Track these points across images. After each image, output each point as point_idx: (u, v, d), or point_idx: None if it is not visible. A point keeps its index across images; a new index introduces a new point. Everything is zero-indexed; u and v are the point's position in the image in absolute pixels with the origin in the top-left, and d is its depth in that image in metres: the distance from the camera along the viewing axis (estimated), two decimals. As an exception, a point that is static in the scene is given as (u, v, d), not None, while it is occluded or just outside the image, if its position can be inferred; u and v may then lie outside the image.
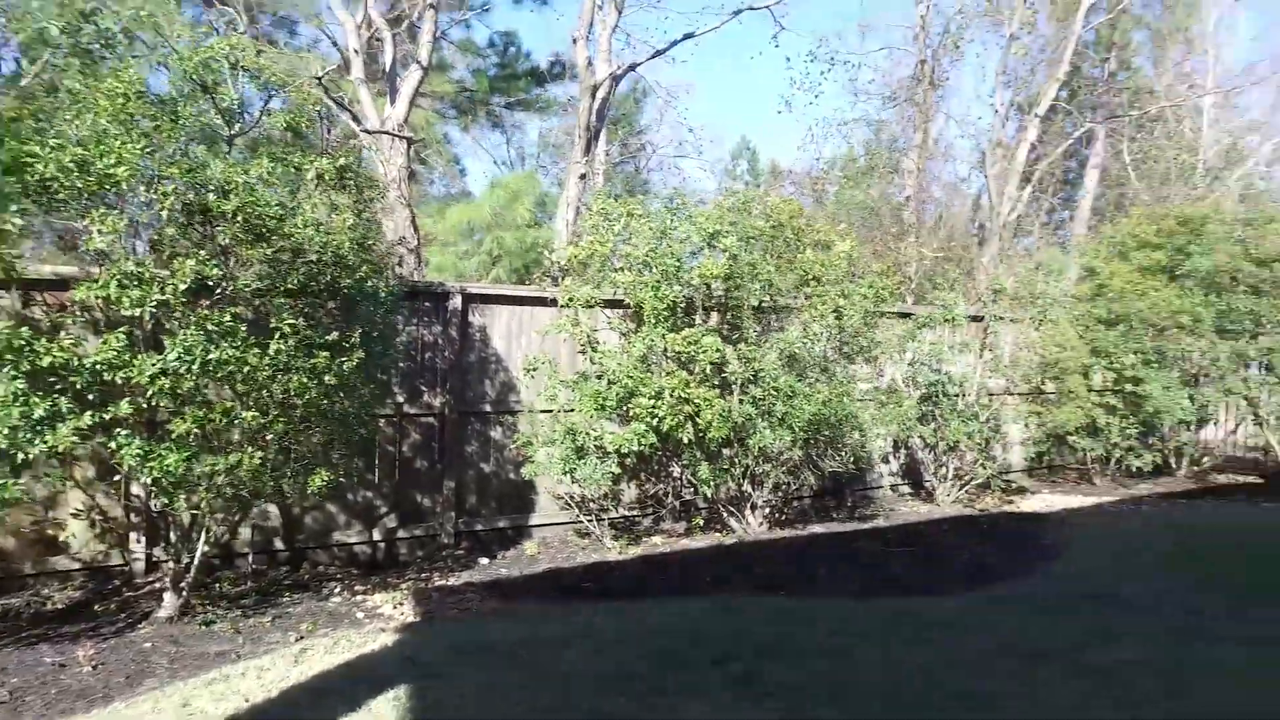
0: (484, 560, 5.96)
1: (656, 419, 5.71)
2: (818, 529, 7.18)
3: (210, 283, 4.01)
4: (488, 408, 6.28)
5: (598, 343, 6.13)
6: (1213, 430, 9.53)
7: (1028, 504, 8.37)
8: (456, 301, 6.08)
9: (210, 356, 3.73)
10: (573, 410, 5.92)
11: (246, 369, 3.90)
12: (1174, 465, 9.28)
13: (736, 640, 4.08)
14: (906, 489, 8.71)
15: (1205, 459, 9.51)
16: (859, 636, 4.14)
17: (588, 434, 5.85)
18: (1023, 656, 3.69)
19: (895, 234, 13.08)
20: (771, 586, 5.43)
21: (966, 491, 8.18)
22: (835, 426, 6.14)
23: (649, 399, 5.69)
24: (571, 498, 6.41)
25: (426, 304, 6.04)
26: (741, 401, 5.88)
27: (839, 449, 6.47)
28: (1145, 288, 8.37)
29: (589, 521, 6.35)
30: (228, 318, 3.85)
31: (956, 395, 7.72)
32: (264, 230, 4.04)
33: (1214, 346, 8.31)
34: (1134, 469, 8.75)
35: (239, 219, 3.92)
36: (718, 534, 6.71)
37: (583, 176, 10.22)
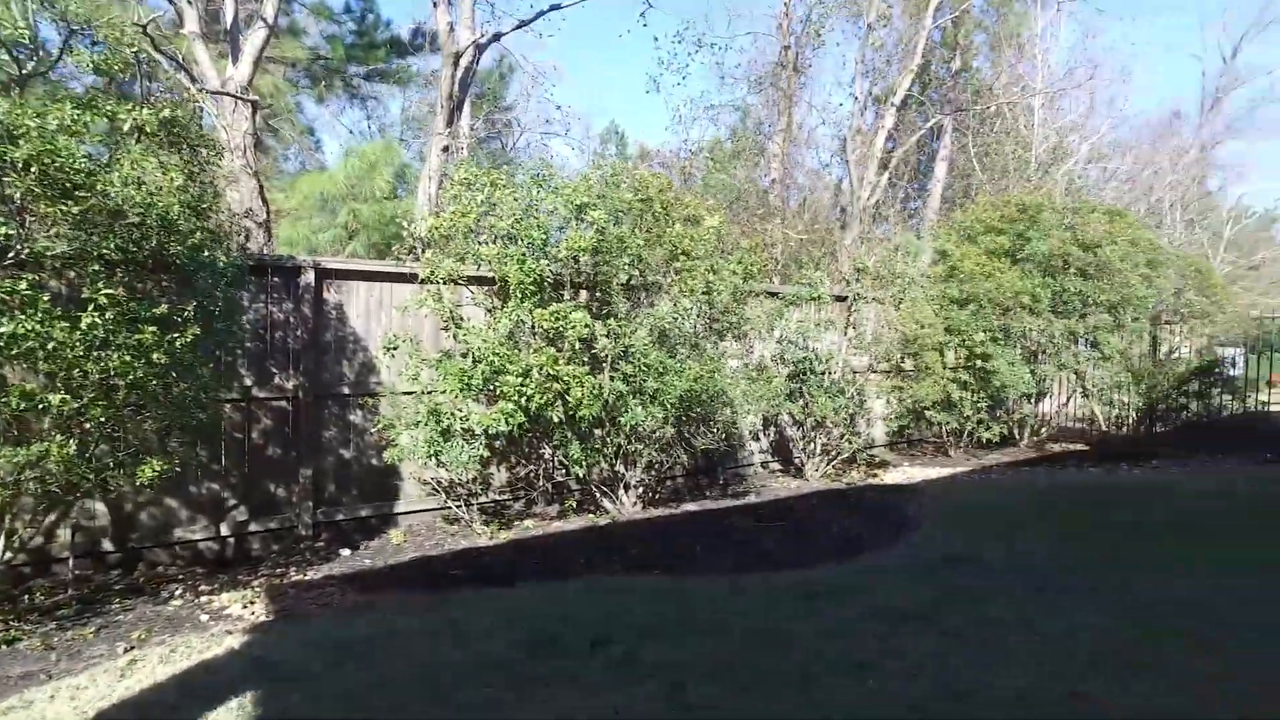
0: (345, 552, 5.59)
1: (525, 398, 5.52)
2: (691, 507, 7.22)
3: (1, 245, 3.46)
4: (346, 390, 5.87)
5: (462, 319, 5.86)
6: (1049, 402, 10.33)
7: (890, 476, 8.78)
8: (309, 277, 5.63)
9: (2, 330, 3.22)
10: (437, 391, 5.63)
11: (52, 345, 3.40)
12: (1017, 436, 10.00)
13: (613, 622, 3.98)
14: (776, 465, 8.92)
15: (1043, 429, 10.32)
16: (736, 612, 4.14)
17: (453, 415, 5.59)
18: (894, 621, 3.79)
19: (761, 216, 13.39)
20: (647, 566, 5.38)
21: (833, 466, 8.48)
22: (707, 404, 6.16)
23: (516, 377, 5.49)
24: (439, 483, 6.12)
25: (276, 280, 5.56)
26: (612, 379, 5.78)
27: (711, 426, 6.50)
28: (991, 270, 8.94)
29: (458, 507, 6.09)
30: (24, 285, 3.33)
31: (823, 372, 7.96)
32: (69, 186, 3.52)
33: (1051, 324, 9.00)
34: (984, 440, 9.35)
35: (33, 171, 3.39)
36: (591, 515, 6.61)
37: (446, 149, 9.78)
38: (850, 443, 8.04)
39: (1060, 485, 7.88)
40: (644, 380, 5.71)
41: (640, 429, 5.92)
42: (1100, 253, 8.90)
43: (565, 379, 5.52)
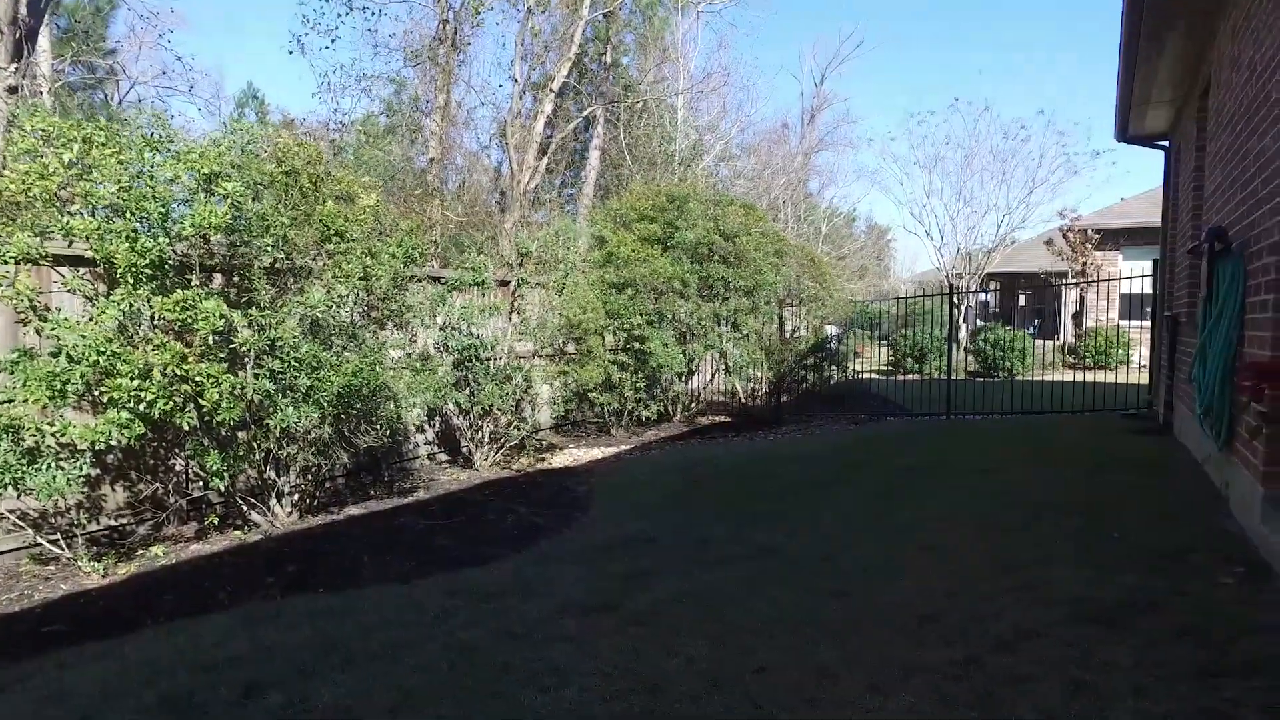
0: None
1: (145, 403, 4.57)
2: (355, 510, 6.66)
3: None
4: None
5: (49, 310, 4.67)
6: (697, 379, 11.37)
7: (559, 460, 8.96)
8: None
9: None
10: (16, 401, 4.43)
11: None
12: (671, 413, 10.84)
13: (271, 661, 3.44)
14: (445, 457, 8.61)
15: (693, 405, 11.33)
16: (414, 626, 3.82)
17: (41, 430, 4.44)
18: (580, 613, 3.78)
19: (419, 196, 12.82)
20: (309, 584, 4.80)
21: (503, 454, 8.41)
22: (368, 398, 5.67)
23: (133, 380, 4.52)
24: (24, 515, 4.85)
25: None
26: (257, 376, 5.04)
27: (374, 422, 6.01)
28: (646, 255, 9.52)
29: (53, 542, 4.89)
30: None
31: (489, 359, 7.82)
32: None
33: (699, 308, 9.86)
34: (643, 418, 9.99)
35: None
36: (238, 532, 5.75)
37: (13, 89, 7.73)
38: (519, 429, 8.04)
39: (712, 456, 8.69)
40: (296, 377, 5.05)
41: (294, 430, 5.26)
42: (739, 242, 9.97)
43: (199, 379, 4.67)
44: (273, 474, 5.81)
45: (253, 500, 5.84)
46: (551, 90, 13.44)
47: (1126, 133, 8.91)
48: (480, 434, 8.13)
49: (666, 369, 9.62)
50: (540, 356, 8.28)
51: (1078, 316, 20.23)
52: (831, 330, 11.59)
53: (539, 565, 4.97)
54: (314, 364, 5.07)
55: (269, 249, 5.03)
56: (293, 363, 4.97)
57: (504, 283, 8.13)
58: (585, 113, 15.82)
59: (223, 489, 5.43)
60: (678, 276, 9.60)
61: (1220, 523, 4.19)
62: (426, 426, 8.38)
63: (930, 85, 69.25)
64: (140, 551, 5.34)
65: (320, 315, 5.14)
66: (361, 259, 5.37)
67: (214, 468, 5.15)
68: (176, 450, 5.50)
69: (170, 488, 5.73)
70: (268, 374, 5.00)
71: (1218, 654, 2.66)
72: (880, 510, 5.34)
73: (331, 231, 5.26)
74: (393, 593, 4.58)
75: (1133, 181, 40.68)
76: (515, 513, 6.61)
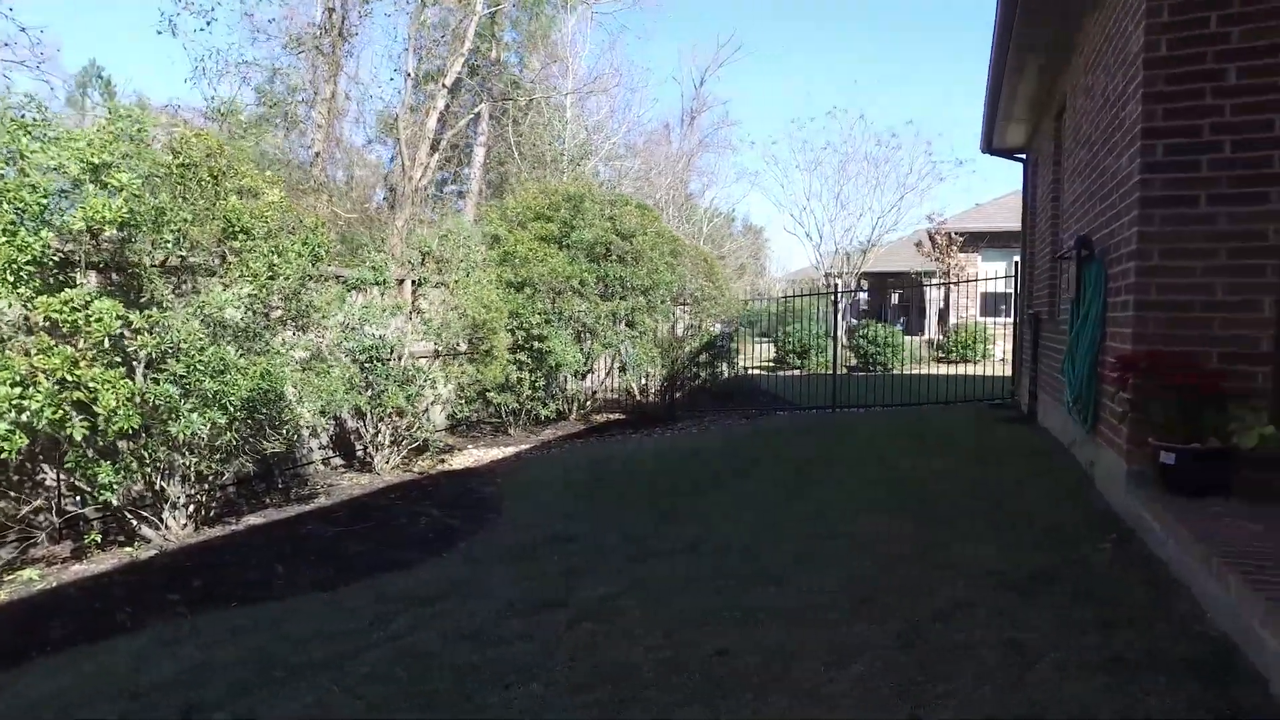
0: None
1: (27, 413, 4.20)
2: (254, 519, 6.34)
3: None
4: None
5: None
6: (591, 378, 11.45)
7: (460, 461, 8.82)
8: None
9: None
10: None
11: None
12: (567, 411, 10.88)
13: (204, 681, 3.27)
14: (339, 461, 8.31)
15: (588, 403, 11.42)
16: (353, 634, 3.73)
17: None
18: (526, 612, 3.79)
19: (305, 191, 12.22)
20: (220, 599, 4.56)
21: (404, 457, 8.21)
22: (275, 402, 5.42)
23: (12, 387, 4.15)
24: None
25: None
26: (157, 381, 4.71)
27: (278, 427, 5.75)
28: (544, 254, 9.52)
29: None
30: None
31: (391, 359, 7.62)
32: None
33: (597, 306, 9.95)
34: (541, 417, 9.99)
35: None
36: (127, 548, 5.35)
37: None
38: (421, 431, 7.88)
39: (615, 454, 8.80)
40: (200, 381, 4.77)
41: (196, 438, 4.95)
42: (635, 242, 10.13)
43: (92, 385, 4.32)
44: (165, 484, 5.45)
45: (142, 514, 5.46)
46: (445, 85, 13.11)
47: (991, 145, 9.76)
48: (380, 436, 7.90)
49: (566, 368, 9.67)
50: (441, 355, 8.13)
51: (943, 314, 21.83)
52: (716, 328, 11.96)
53: (467, 567, 4.93)
54: (220, 367, 4.80)
55: (167, 245, 4.71)
56: (197, 366, 4.68)
57: (403, 281, 7.92)
58: (476, 109, 15.54)
59: (115, 502, 5.05)
60: (576, 276, 9.66)
61: (1091, 498, 4.72)
62: (320, 430, 8.05)
63: (814, 92, 72.49)
64: (8, 577, 4.89)
65: (228, 316, 4.86)
66: (268, 257, 5.12)
67: (105, 480, 4.78)
68: (46, 463, 5.06)
69: (41, 505, 5.25)
70: (171, 378, 4.69)
71: (1110, 610, 3.04)
72: (791, 501, 5.63)
73: (236, 228, 4.98)
74: (317, 602, 4.44)
75: (991, 188, 44.23)
76: (427, 516, 6.49)
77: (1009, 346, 17.39)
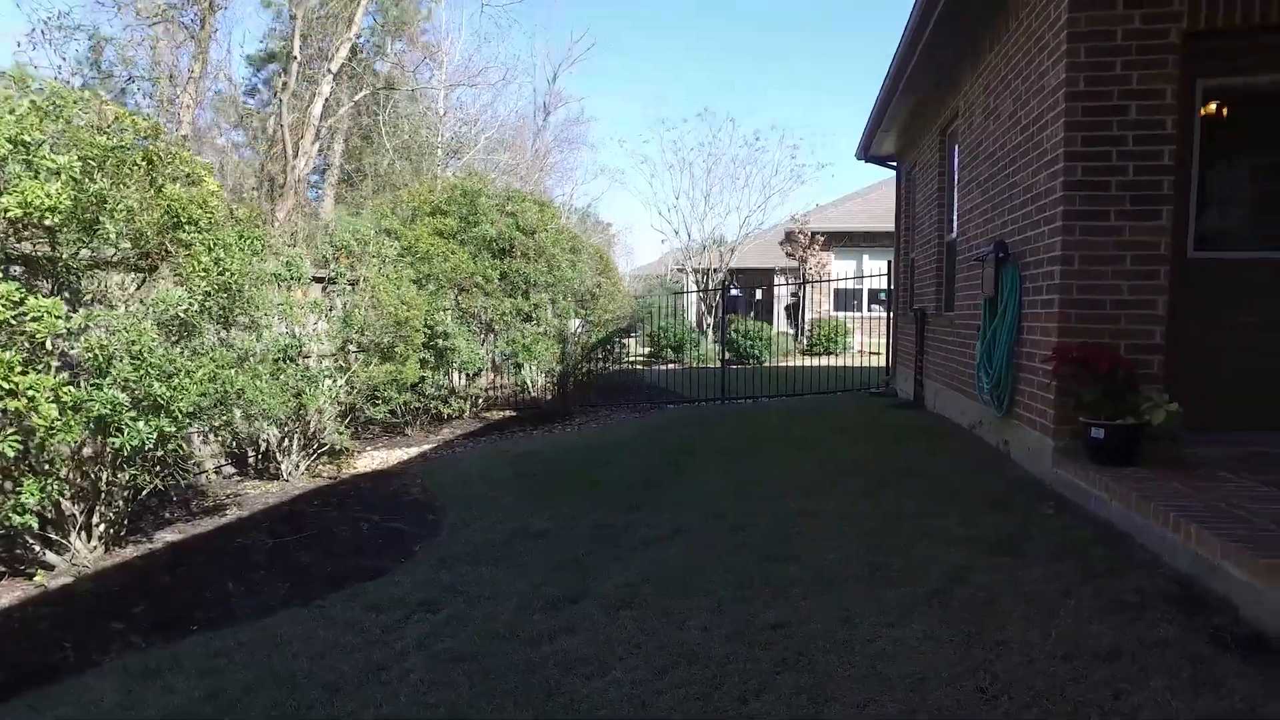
0: None
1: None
2: (170, 536, 5.82)
3: None
4: None
5: None
6: (484, 375, 11.28)
7: (364, 463, 8.46)
8: None
9: None
10: None
11: None
12: (462, 410, 10.68)
13: (235, 712, 3.08)
14: (235, 469, 7.74)
15: (480, 401, 11.24)
16: (369, 646, 3.61)
17: None
18: (549, 607, 3.84)
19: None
20: (174, 623, 4.22)
21: (314, 462, 7.79)
22: (215, 407, 5.05)
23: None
24: None
25: None
26: (99, 386, 4.26)
27: (219, 432, 5.35)
28: (447, 251, 9.30)
29: None
30: None
31: (306, 359, 7.21)
32: None
33: (502, 303, 9.84)
34: (443, 416, 9.75)
35: None
36: (38, 577, 4.78)
37: None
38: (340, 434, 7.52)
39: (530, 450, 8.78)
40: (150, 385, 4.36)
41: (141, 448, 4.51)
42: (538, 238, 10.11)
43: (29, 394, 3.84)
44: (71, 504, 4.91)
45: (47, 538, 4.89)
46: (330, 71, 12.30)
47: (868, 153, 10.64)
48: (289, 441, 7.45)
49: (470, 366, 9.52)
50: (349, 353, 7.77)
51: (791, 309, 23.26)
52: (574, 324, 12.00)
53: (447, 570, 4.83)
54: (171, 370, 4.42)
55: (113, 237, 4.26)
56: (148, 370, 4.28)
57: (319, 279, 7.49)
58: (359, 96, 14.68)
59: (33, 526, 4.49)
60: (480, 272, 9.52)
61: (1013, 471, 5.40)
62: (211, 437, 7.45)
63: (681, 94, 73.95)
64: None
65: (183, 314, 4.46)
66: (215, 250, 4.74)
67: (28, 502, 4.26)
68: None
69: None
70: (118, 383, 4.25)
71: (1086, 564, 3.58)
72: (744, 486, 5.94)
73: (183, 219, 4.57)
74: (302, 617, 4.21)
75: (843, 191, 47.31)
76: (367, 521, 6.24)
77: (864, 339, 18.96)
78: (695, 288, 22.90)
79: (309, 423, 7.51)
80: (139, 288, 4.57)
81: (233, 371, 4.90)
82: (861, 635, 3.08)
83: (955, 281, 7.54)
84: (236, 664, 3.58)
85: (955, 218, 7.59)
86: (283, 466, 7.45)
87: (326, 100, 12.63)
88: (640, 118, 73.62)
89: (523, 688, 2.99)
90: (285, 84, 11.68)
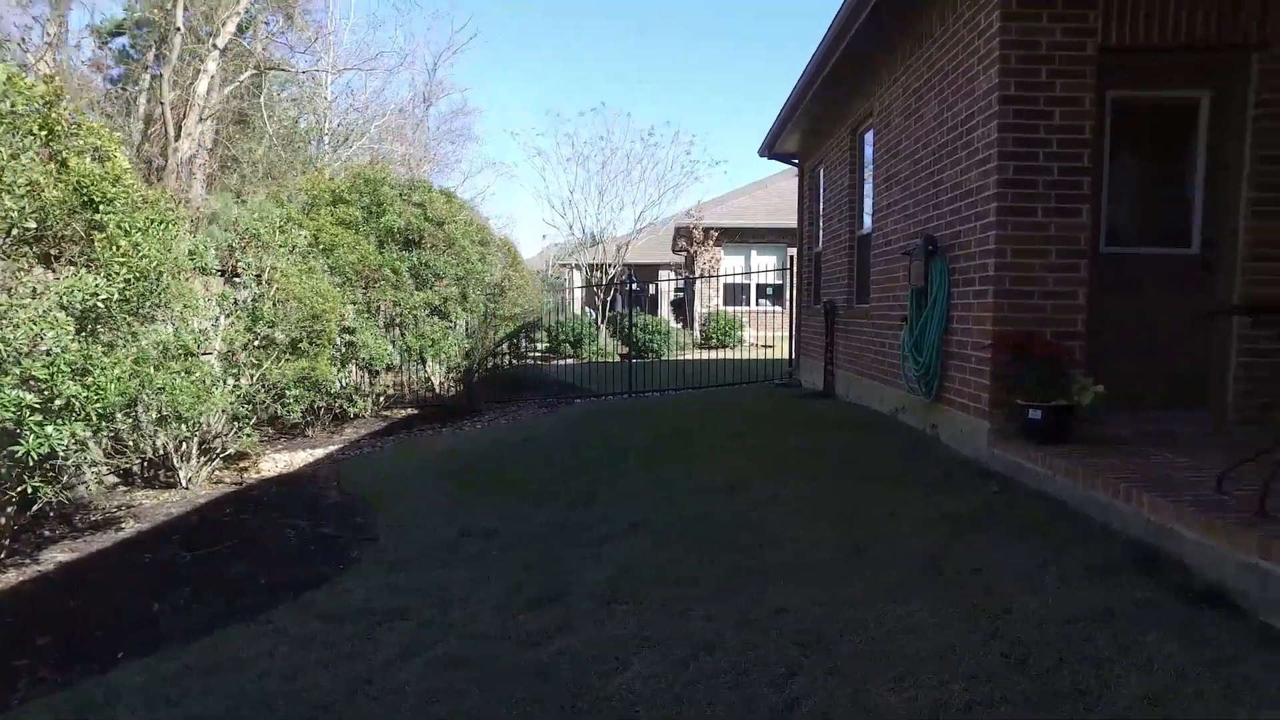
0: None
1: None
2: (61, 556, 5.24)
3: None
4: None
5: None
6: (387, 372, 10.76)
7: (269, 467, 7.90)
8: None
9: None
10: None
11: None
12: (365, 408, 10.14)
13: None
14: (133, 477, 7.02)
15: (381, 399, 10.71)
16: (338, 664, 3.37)
17: None
18: (531, 607, 3.70)
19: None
20: (94, 652, 3.86)
21: (214, 467, 7.17)
22: (132, 406, 4.55)
23: None
24: None
25: None
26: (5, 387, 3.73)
27: (127, 436, 4.82)
28: (352, 242, 8.79)
29: None
30: None
31: (208, 355, 6.61)
32: None
33: (411, 296, 9.40)
34: (350, 415, 9.23)
35: None
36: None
37: None
38: (249, 436, 6.97)
39: (446, 449, 8.46)
40: (60, 385, 3.85)
41: (55, 455, 3.99)
42: (448, 229, 9.73)
43: (-78, 396, 3.31)
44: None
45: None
46: (216, 47, 11.18)
47: (772, 150, 10.95)
48: (188, 445, 6.82)
49: (377, 362, 9.06)
50: (261, 350, 7.21)
51: (677, 304, 23.60)
52: (467, 322, 11.64)
53: (401, 573, 4.57)
54: (84, 367, 3.93)
55: (15, 216, 3.72)
56: (60, 368, 3.78)
57: (221, 271, 6.87)
58: (244, 76, 13.46)
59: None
60: (389, 264, 9.07)
61: (946, 453, 5.70)
62: (91, 443, 6.71)
63: (585, 88, 72.96)
64: None
65: (102, 304, 3.96)
66: (133, 234, 4.25)
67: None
68: None
69: None
70: (17, 382, 3.74)
71: (1049, 535, 3.83)
72: (687, 479, 5.94)
73: (95, 198, 4.06)
74: (250, 634, 3.87)
75: (727, 187, 48.15)
76: (293, 527, 5.83)
77: (756, 333, 19.51)
78: (580, 283, 22.82)
79: (211, 424, 6.91)
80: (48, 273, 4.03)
81: (151, 369, 4.42)
82: (869, 614, 3.15)
83: (870, 274, 7.88)
84: (194, 691, 3.24)
85: (870, 213, 7.93)
86: (180, 473, 6.82)
87: (213, 77, 11.55)
88: (534, 111, 72.75)
89: (540, 690, 2.87)
90: (166, 57, 10.52)
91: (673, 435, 7.78)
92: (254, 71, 13.37)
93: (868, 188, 8.20)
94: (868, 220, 8.16)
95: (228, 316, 6.49)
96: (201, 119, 11.71)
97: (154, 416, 5.20)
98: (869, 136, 8.06)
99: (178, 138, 11.06)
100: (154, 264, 4.40)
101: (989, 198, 5.16)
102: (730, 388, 11.52)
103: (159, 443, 6.66)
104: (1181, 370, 5.39)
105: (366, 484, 7.02)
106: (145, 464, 6.99)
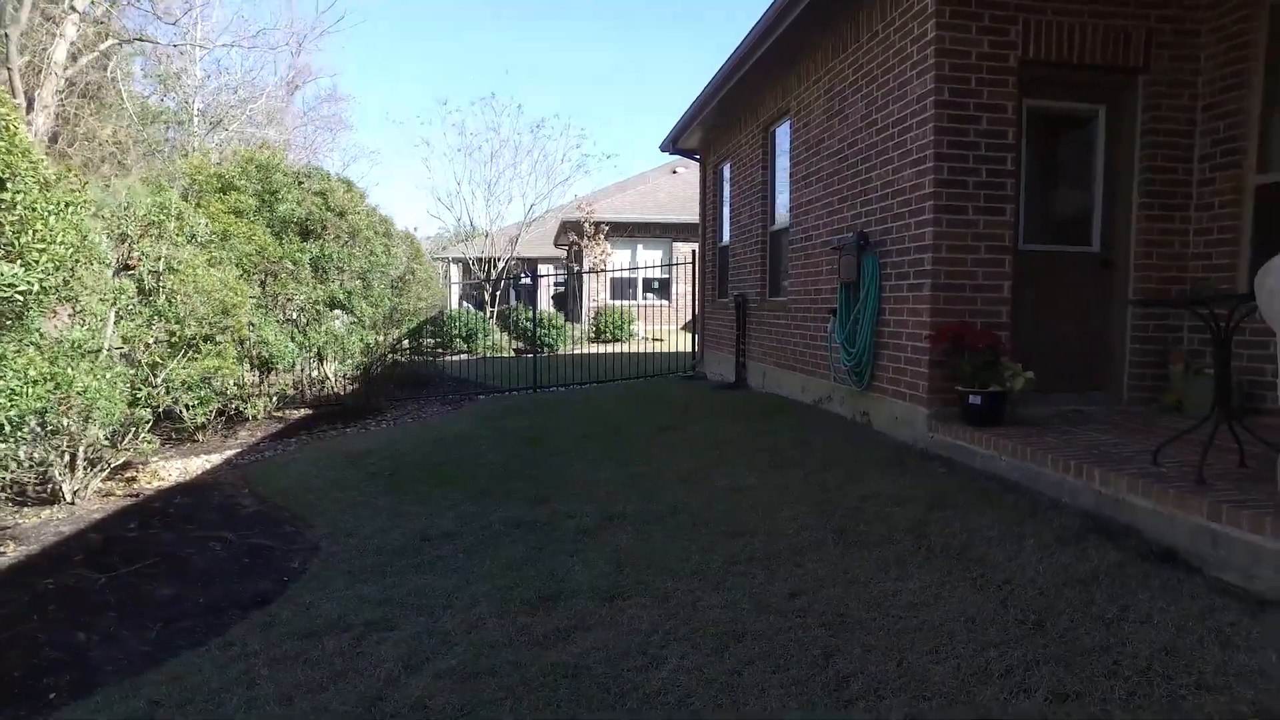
0: None
1: None
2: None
3: None
4: None
5: None
6: (295, 369, 10.05)
7: (164, 474, 7.19)
8: None
9: None
10: None
11: None
12: (261, 409, 9.43)
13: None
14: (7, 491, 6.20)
15: (275, 399, 9.99)
16: (334, 683, 3.16)
17: None
18: (530, 610, 3.59)
19: None
20: (21, 696, 3.35)
21: (102, 478, 6.44)
22: (53, 411, 4.03)
23: None
24: None
25: None
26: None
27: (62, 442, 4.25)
28: (248, 232, 8.14)
29: None
30: None
31: (95, 353, 5.92)
32: None
33: (314, 290, 8.80)
34: (244, 416, 8.55)
35: None
36: None
37: None
38: (148, 443, 6.33)
39: (359, 450, 7.96)
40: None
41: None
42: (350, 220, 9.18)
43: None
44: None
45: None
46: (73, 7, 9.78)
47: (675, 145, 11.10)
48: (73, 455, 6.09)
49: (280, 360, 8.46)
50: (160, 347, 6.55)
51: (558, 298, 23.42)
52: (337, 323, 11.04)
53: (365, 583, 4.30)
54: None
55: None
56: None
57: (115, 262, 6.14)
58: (106, 45, 11.90)
59: None
60: (289, 256, 8.47)
61: (882, 438, 6.01)
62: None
63: (473, 78, 70.03)
64: None
65: (20, 297, 3.45)
66: (45, 217, 3.74)
67: None
68: None
69: None
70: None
71: (1007, 512, 4.13)
72: (637, 472, 5.91)
73: (4, 175, 3.54)
74: (213, 660, 3.53)
75: (609, 179, 48.16)
76: (217, 540, 5.34)
77: (646, 327, 19.70)
78: (457, 277, 22.22)
79: (97, 432, 6.19)
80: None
81: (69, 369, 3.92)
82: (882, 591, 3.29)
83: (788, 268, 8.16)
84: (174, 722, 2.92)
85: (788, 209, 8.19)
86: (65, 486, 6.08)
87: (73, 43, 10.14)
88: (419, 99, 69.83)
89: (582, 691, 2.79)
90: (14, 15, 9.09)
91: (600, 429, 7.75)
92: (114, 41, 11.99)
93: (781, 183, 8.48)
94: (783, 215, 8.43)
95: (127, 311, 5.84)
96: (59, 90, 10.33)
97: (79, 419, 4.58)
98: (781, 133, 8.33)
99: (30, 110, 9.72)
100: (70, 251, 3.90)
101: (925, 196, 5.47)
102: (637, 381, 11.60)
103: (36, 453, 5.91)
104: (1085, 358, 5.95)
105: (285, 490, 6.54)
106: (7, 481, 6.19)
